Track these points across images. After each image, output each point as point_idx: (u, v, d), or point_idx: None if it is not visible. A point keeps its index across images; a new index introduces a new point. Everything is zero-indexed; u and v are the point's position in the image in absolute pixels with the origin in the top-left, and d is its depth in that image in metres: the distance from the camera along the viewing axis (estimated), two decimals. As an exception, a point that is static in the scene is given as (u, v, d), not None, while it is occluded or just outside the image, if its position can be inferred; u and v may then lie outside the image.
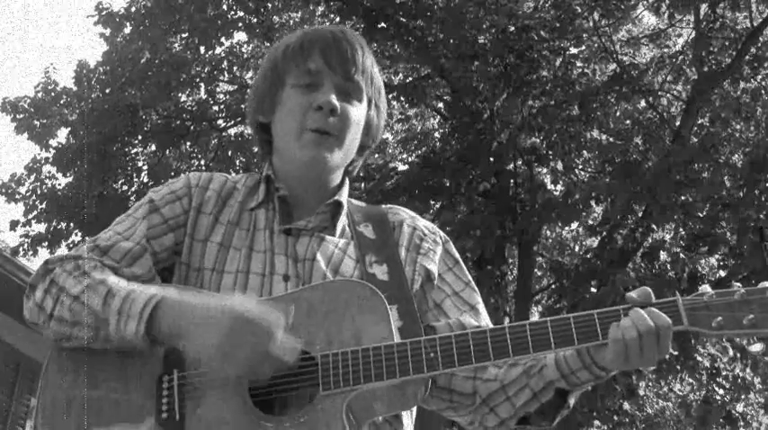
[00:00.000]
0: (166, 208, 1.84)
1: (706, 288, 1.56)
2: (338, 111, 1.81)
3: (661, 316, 1.56)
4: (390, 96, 11.98)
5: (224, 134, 14.16)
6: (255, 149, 13.49)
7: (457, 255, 1.95)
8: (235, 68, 14.07)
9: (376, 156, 14.24)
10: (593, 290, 10.92)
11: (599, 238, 12.55)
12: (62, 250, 13.12)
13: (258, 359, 1.53)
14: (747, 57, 12.21)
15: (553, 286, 13.24)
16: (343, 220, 1.88)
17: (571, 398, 1.72)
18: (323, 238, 1.82)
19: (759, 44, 12.33)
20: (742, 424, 12.90)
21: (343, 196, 1.89)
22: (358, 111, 1.87)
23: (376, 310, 1.63)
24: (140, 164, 14.03)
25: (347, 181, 1.94)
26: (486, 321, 1.86)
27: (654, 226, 11.17)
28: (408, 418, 1.77)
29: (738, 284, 1.54)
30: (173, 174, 13.65)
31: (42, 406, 1.67)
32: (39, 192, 13.41)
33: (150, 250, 1.78)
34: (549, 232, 14.35)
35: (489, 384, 1.77)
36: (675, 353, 10.87)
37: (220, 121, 14.11)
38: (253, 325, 1.53)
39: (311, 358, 1.60)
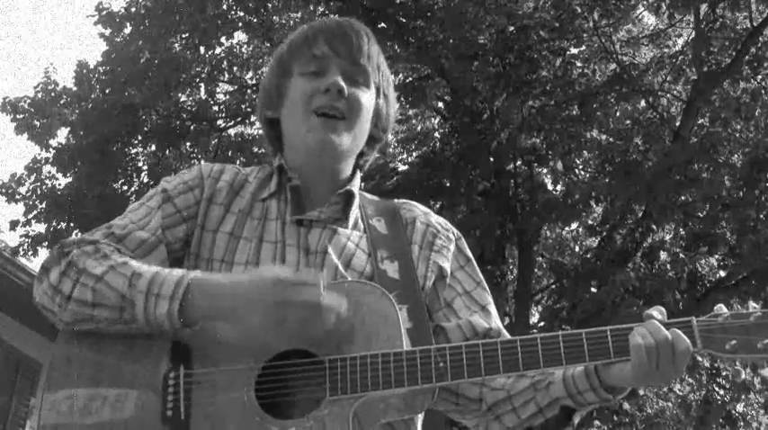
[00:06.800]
0: (179, 198, 1.83)
1: (721, 308, 1.55)
2: (345, 92, 1.80)
3: (683, 339, 1.53)
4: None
5: (224, 134, 14.16)
6: (255, 149, 13.48)
7: (469, 253, 1.93)
8: (235, 68, 14.05)
9: (376, 155, 14.22)
10: (593, 290, 10.92)
11: (599, 238, 12.56)
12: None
13: (312, 314, 1.51)
14: (747, 57, 12.18)
15: (553, 286, 13.26)
16: (355, 211, 1.86)
17: (576, 417, 1.70)
18: (335, 230, 1.80)
19: (759, 44, 12.29)
20: (742, 424, 12.91)
21: (355, 186, 1.88)
22: (366, 96, 1.85)
23: (387, 315, 1.62)
24: (140, 164, 14.04)
25: (358, 173, 1.92)
26: (496, 322, 1.85)
27: (654, 226, 11.18)
28: (420, 417, 1.78)
29: (755, 306, 1.52)
30: (173, 174, 13.62)
31: (48, 396, 1.64)
32: (39, 192, 13.39)
33: (165, 241, 1.77)
34: (549, 232, 14.34)
35: (496, 393, 1.76)
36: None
37: (220, 121, 14.11)
38: (295, 284, 1.51)
39: (319, 362, 1.59)
